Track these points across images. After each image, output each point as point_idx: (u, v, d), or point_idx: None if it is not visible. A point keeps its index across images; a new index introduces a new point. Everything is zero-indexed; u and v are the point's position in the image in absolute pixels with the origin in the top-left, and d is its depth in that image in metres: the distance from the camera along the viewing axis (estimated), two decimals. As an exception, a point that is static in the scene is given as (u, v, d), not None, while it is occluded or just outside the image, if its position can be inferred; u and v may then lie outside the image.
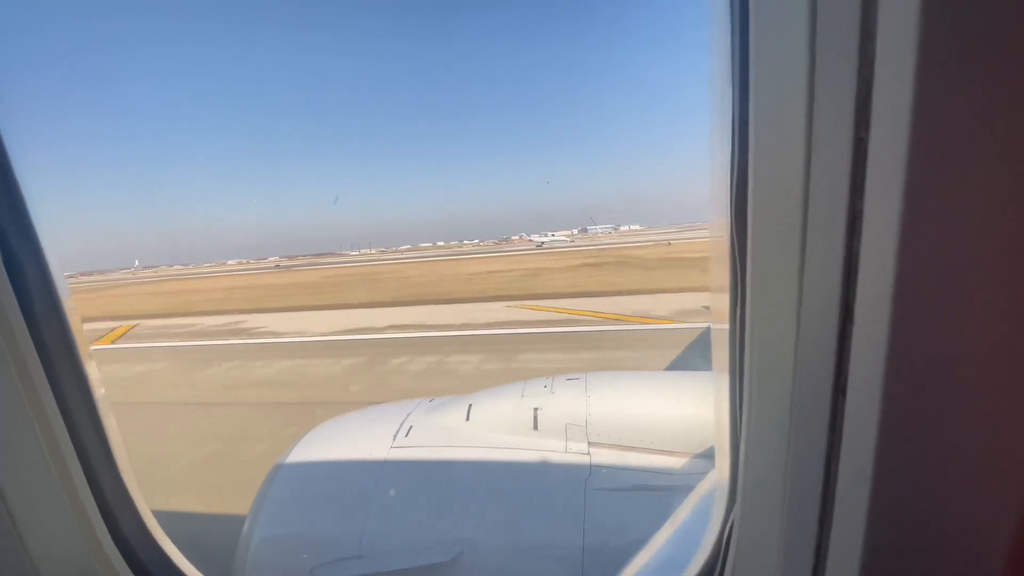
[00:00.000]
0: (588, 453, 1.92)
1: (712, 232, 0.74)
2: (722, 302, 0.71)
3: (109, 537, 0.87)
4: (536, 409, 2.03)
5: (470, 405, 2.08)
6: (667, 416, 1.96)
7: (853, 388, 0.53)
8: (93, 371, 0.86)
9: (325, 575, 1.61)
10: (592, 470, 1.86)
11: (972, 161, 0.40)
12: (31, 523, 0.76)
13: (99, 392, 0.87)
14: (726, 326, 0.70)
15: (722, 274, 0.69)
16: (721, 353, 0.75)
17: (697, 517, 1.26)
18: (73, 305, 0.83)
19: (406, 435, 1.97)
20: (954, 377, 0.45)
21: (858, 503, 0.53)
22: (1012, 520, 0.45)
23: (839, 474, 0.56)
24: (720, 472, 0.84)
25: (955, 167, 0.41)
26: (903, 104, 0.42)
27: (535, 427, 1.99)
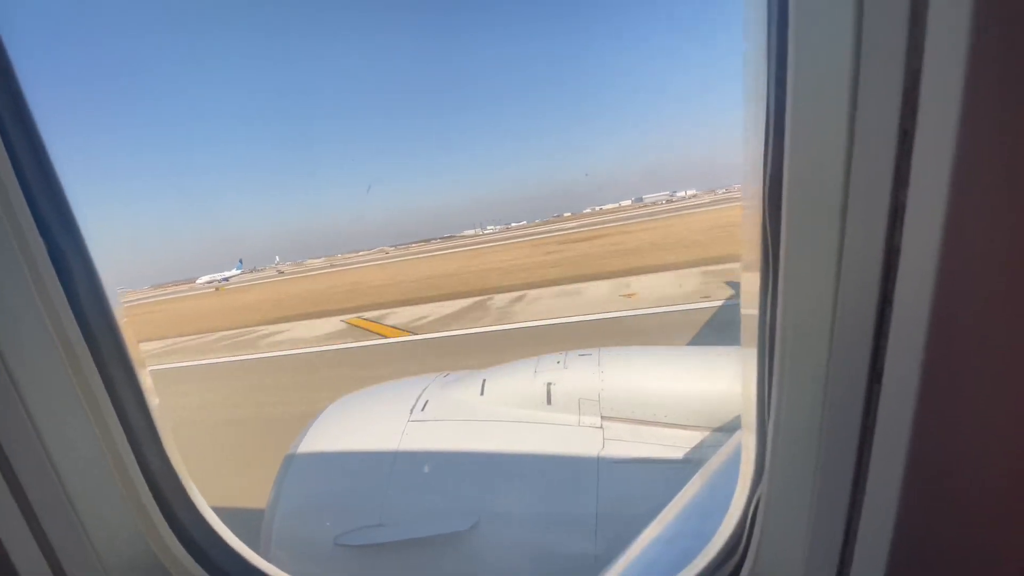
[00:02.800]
0: (601, 427, 1.91)
1: (744, 211, 0.73)
2: (753, 279, 0.70)
3: (161, 515, 0.93)
4: (549, 384, 2.03)
5: (484, 380, 2.12)
6: (680, 391, 1.91)
7: (889, 376, 0.52)
8: (144, 371, 0.92)
9: (348, 542, 1.73)
10: (605, 444, 1.86)
11: (1017, 165, 0.38)
12: (91, 510, 0.82)
13: (148, 386, 0.93)
14: (756, 302, 0.69)
15: (753, 255, 0.68)
16: (751, 328, 0.74)
17: (717, 490, 1.24)
18: (122, 308, 0.88)
19: (422, 409, 2.05)
20: (992, 372, 0.44)
21: (890, 490, 0.53)
22: None
23: (871, 460, 0.56)
24: (746, 447, 0.82)
25: (1005, 161, 0.39)
26: (954, 94, 0.40)
27: (548, 402, 2.00)
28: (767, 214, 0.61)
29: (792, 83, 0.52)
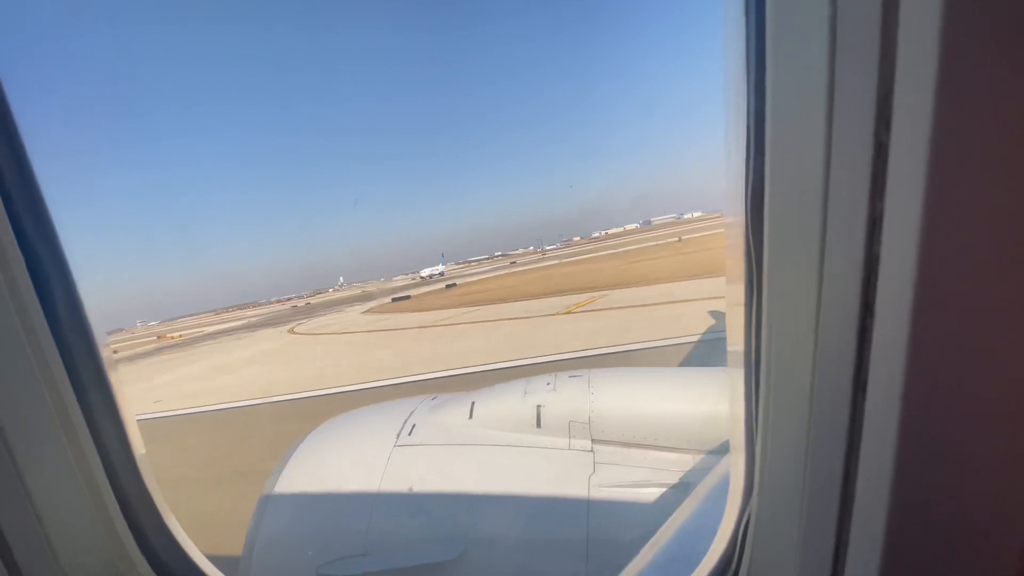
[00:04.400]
0: (591, 450, 1.87)
1: (727, 229, 0.74)
2: (737, 298, 0.70)
3: (132, 537, 0.91)
4: (539, 407, 2.00)
5: (473, 403, 2.09)
6: (671, 413, 1.87)
7: (873, 386, 0.52)
8: (117, 379, 0.91)
9: (331, 572, 1.68)
10: (596, 468, 1.81)
11: (995, 163, 0.40)
12: (57, 526, 0.81)
13: (123, 400, 0.92)
14: (742, 321, 0.69)
15: (737, 270, 0.68)
16: (737, 347, 0.74)
17: (708, 511, 1.20)
18: (99, 322, 0.88)
19: (409, 433, 2.01)
20: (974, 377, 0.45)
21: (878, 500, 0.53)
22: None
23: (859, 471, 0.56)
24: (735, 466, 0.81)
25: (978, 169, 0.40)
26: (925, 105, 0.41)
27: (538, 425, 1.96)
28: (750, 228, 0.62)
29: (770, 100, 0.53)
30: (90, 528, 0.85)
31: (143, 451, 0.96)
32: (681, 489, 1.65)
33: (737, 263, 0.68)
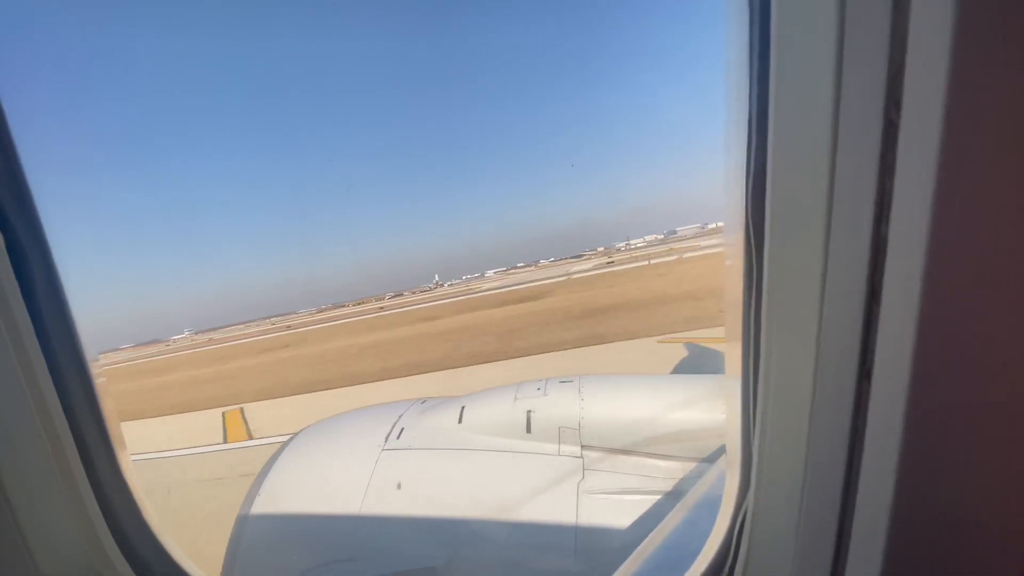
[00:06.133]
0: (581, 456, 1.84)
1: (726, 229, 0.74)
2: (736, 297, 0.69)
3: (110, 535, 0.91)
4: (529, 412, 1.98)
5: (463, 407, 2.08)
6: (661, 420, 1.83)
7: (878, 377, 0.51)
8: (98, 374, 0.91)
9: None
10: (585, 474, 1.78)
11: (1004, 155, 0.38)
12: (33, 522, 0.81)
13: (104, 395, 0.92)
14: (740, 307, 0.68)
15: (736, 270, 0.68)
16: (735, 338, 0.73)
17: (699, 516, 1.18)
18: (87, 330, 0.89)
19: (398, 437, 2.00)
20: (983, 371, 0.44)
21: (881, 497, 0.52)
22: None
23: (862, 467, 0.55)
24: (731, 463, 0.80)
25: (990, 152, 0.39)
26: (936, 86, 0.40)
27: (528, 430, 1.94)
28: (750, 216, 0.60)
29: (775, 79, 0.51)
30: (69, 530, 0.85)
31: (127, 452, 0.96)
32: (671, 496, 1.60)
33: (736, 262, 0.67)
